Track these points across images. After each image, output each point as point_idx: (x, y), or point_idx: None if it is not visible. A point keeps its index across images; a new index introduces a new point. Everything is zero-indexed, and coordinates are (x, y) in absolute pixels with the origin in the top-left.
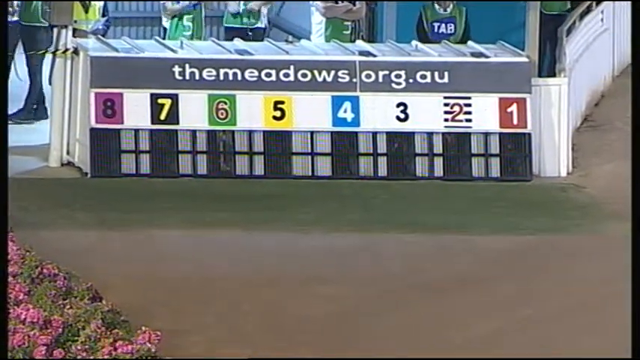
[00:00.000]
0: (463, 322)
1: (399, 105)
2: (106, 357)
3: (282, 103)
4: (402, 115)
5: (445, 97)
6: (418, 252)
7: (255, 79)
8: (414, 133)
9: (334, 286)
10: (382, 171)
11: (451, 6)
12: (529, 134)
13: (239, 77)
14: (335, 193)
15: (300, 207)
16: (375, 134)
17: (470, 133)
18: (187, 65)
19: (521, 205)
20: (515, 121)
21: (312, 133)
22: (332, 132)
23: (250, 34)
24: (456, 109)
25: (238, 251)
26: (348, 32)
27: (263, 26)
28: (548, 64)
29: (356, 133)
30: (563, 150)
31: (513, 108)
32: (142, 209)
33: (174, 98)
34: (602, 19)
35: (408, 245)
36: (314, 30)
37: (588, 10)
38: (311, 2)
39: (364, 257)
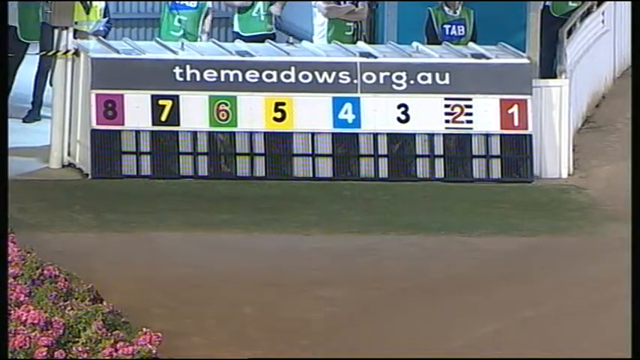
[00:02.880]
0: (464, 324)
1: (399, 106)
2: (106, 358)
3: (283, 104)
4: (403, 117)
5: (446, 99)
6: (419, 253)
7: (255, 80)
8: (414, 134)
9: (335, 288)
10: (383, 172)
11: (460, 8)
12: (530, 135)
13: (240, 79)
14: (336, 195)
15: (301, 208)
16: (375, 135)
17: (471, 135)
18: (188, 66)
19: (522, 207)
20: (516, 123)
21: (312, 134)
22: (333, 133)
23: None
24: (457, 110)
25: (239, 253)
26: (350, 33)
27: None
28: (552, 65)
29: (357, 134)
30: (564, 151)
31: (514, 109)
32: (142, 211)
33: (175, 99)
34: (602, 21)
35: (409, 247)
36: (316, 31)
37: (589, 12)
38: (313, 3)
39: (365, 259)
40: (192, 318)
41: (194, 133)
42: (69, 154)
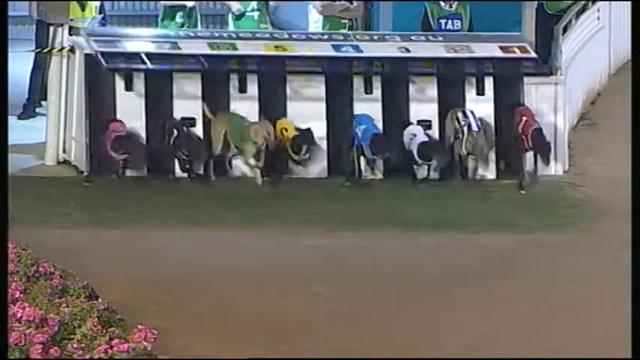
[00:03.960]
0: (461, 322)
1: (399, 48)
2: (102, 355)
3: (283, 48)
4: (404, 52)
5: (443, 45)
6: (414, 250)
7: (250, 35)
8: (414, 58)
9: (332, 286)
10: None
11: (456, 3)
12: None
13: (234, 36)
14: (332, 191)
15: (297, 206)
16: (374, 59)
17: (468, 58)
18: (180, 42)
19: (517, 203)
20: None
21: (312, 57)
22: (331, 57)
23: None
24: (457, 49)
25: (236, 250)
26: (345, 31)
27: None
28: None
29: (354, 57)
30: (559, 148)
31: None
32: (138, 208)
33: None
34: (598, 18)
35: (404, 243)
36: (311, 28)
37: (584, 9)
38: (308, 0)
39: (361, 256)
40: (188, 316)
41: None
42: (64, 151)
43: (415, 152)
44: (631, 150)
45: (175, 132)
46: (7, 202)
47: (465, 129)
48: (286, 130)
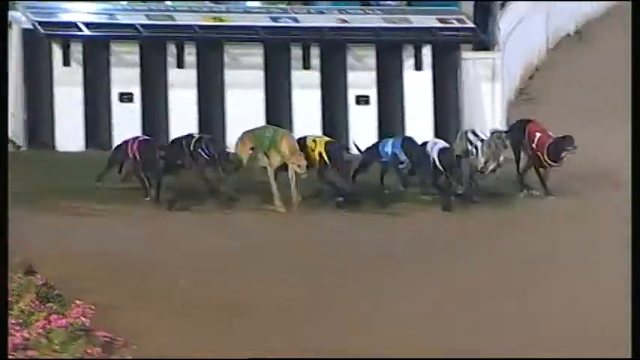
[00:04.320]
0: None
1: (337, 20)
2: (40, 330)
3: (221, 19)
4: (342, 23)
5: (382, 17)
6: (357, 230)
7: (187, 8)
8: (354, 27)
9: (276, 264)
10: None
11: None
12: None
13: (172, 9)
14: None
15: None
16: (312, 28)
17: (407, 28)
18: (118, 14)
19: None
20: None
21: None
22: (269, 26)
23: None
24: (395, 20)
25: (182, 230)
26: (284, 6)
27: None
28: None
29: (296, 27)
30: (498, 124)
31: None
32: (79, 184)
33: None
34: None
35: (347, 221)
36: (250, 4)
37: None
38: None
39: (310, 234)
40: (128, 292)
41: None
42: None
43: (437, 159)
44: (631, 150)
45: (195, 136)
46: (7, 201)
47: (479, 143)
48: (315, 142)
